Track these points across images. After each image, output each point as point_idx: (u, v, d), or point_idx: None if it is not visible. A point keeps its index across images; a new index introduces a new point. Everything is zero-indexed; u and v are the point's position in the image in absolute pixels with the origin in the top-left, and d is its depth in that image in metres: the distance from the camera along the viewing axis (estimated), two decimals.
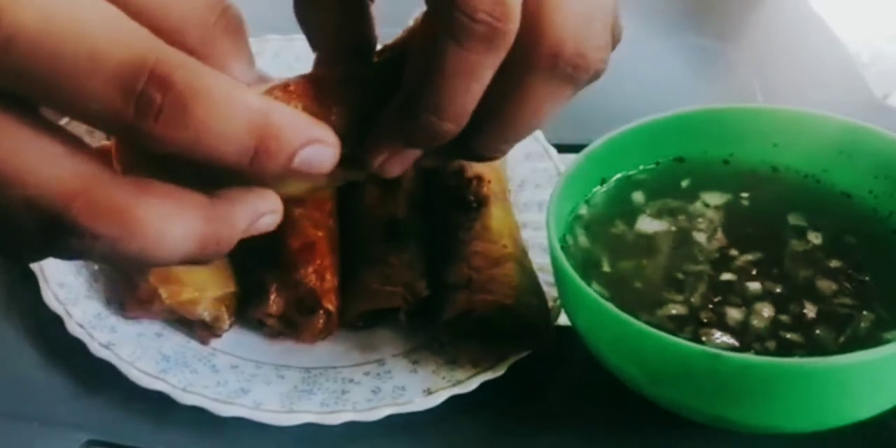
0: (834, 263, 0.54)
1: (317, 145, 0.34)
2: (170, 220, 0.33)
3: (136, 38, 0.31)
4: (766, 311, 0.51)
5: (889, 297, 0.52)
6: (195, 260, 0.35)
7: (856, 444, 0.53)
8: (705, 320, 0.51)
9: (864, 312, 0.51)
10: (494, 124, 0.40)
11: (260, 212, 0.37)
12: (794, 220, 0.57)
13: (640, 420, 0.55)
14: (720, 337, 0.50)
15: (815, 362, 0.46)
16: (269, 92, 0.38)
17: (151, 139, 0.32)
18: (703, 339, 0.50)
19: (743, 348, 0.50)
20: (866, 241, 0.55)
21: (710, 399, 0.49)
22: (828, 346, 0.50)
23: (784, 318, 0.51)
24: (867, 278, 0.53)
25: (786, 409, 0.48)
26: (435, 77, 0.37)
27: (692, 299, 0.52)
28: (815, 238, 0.56)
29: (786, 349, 0.50)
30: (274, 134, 0.33)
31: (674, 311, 0.52)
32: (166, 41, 0.36)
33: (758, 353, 0.49)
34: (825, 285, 0.53)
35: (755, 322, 0.51)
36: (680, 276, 0.54)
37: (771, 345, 0.50)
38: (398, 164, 0.41)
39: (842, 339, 0.50)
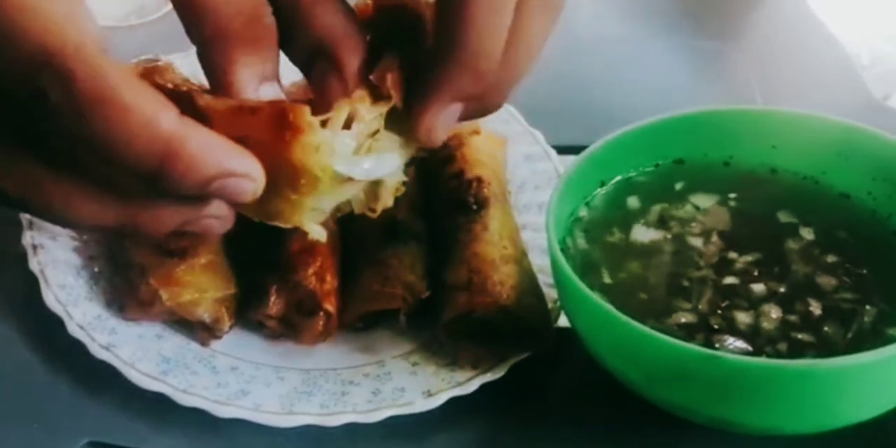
0: (831, 258, 0.55)
1: (235, 178, 0.37)
2: (95, 217, 0.38)
3: (66, 33, 0.33)
4: (774, 312, 0.51)
5: (891, 296, 0.52)
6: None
7: (856, 446, 0.53)
8: (716, 326, 0.51)
9: (867, 307, 0.51)
10: (503, 67, 0.41)
11: (207, 214, 0.40)
12: (784, 217, 0.57)
13: (639, 421, 0.55)
14: (733, 342, 0.50)
15: (813, 364, 0.46)
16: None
17: (42, 124, 0.35)
18: (717, 345, 0.50)
19: (756, 352, 0.50)
20: (866, 242, 0.55)
21: (709, 400, 0.49)
22: (837, 343, 0.50)
23: (792, 318, 0.51)
24: (864, 271, 0.54)
25: (784, 411, 0.48)
26: (467, 19, 0.39)
27: (700, 306, 0.52)
28: (807, 234, 0.56)
29: (797, 350, 0.50)
30: (184, 159, 0.35)
31: (683, 320, 0.51)
32: (194, 19, 0.39)
33: (770, 356, 0.49)
34: (825, 281, 0.53)
35: (765, 324, 0.51)
36: (685, 283, 0.54)
37: (783, 347, 0.50)
38: (444, 125, 0.42)
39: (849, 335, 0.50)
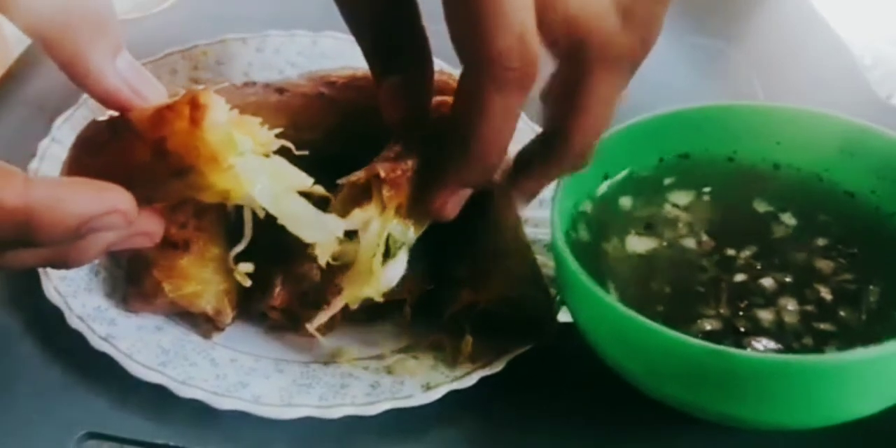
0: (821, 242, 0.55)
1: (103, 217, 0.40)
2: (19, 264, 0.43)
3: None
4: (791, 304, 0.51)
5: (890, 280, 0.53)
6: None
7: (856, 442, 0.53)
8: (743, 329, 0.51)
9: (871, 287, 0.52)
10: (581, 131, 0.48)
11: (123, 236, 0.45)
12: (760, 207, 0.57)
13: (639, 416, 0.54)
14: (765, 343, 0.49)
15: (817, 358, 0.46)
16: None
17: None
18: (748, 348, 0.49)
19: (786, 350, 0.49)
20: (869, 240, 0.55)
21: (710, 395, 0.49)
22: (855, 329, 0.50)
23: (809, 308, 0.51)
24: (856, 251, 0.54)
25: (789, 406, 0.48)
26: (481, 121, 0.45)
27: (721, 310, 0.52)
28: (788, 219, 0.56)
29: (822, 342, 0.50)
30: (39, 223, 0.39)
31: (708, 327, 0.51)
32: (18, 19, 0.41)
33: (797, 352, 0.49)
34: (824, 265, 0.53)
35: (787, 319, 0.51)
36: (699, 288, 0.53)
37: (808, 341, 0.50)
38: (454, 205, 0.49)
39: (863, 317, 0.50)
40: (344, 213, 0.52)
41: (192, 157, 0.42)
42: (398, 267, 0.53)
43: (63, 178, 0.43)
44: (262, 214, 0.46)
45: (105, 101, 0.44)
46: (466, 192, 0.49)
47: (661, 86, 0.81)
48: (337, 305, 0.54)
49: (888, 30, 0.95)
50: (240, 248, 0.52)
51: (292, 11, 0.81)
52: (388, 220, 0.52)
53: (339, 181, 0.53)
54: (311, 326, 0.55)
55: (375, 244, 0.52)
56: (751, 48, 0.86)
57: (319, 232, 0.48)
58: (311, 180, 0.47)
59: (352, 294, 0.53)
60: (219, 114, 0.42)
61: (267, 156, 0.45)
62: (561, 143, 0.48)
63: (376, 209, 0.52)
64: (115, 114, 0.45)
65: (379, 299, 0.53)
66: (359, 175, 0.52)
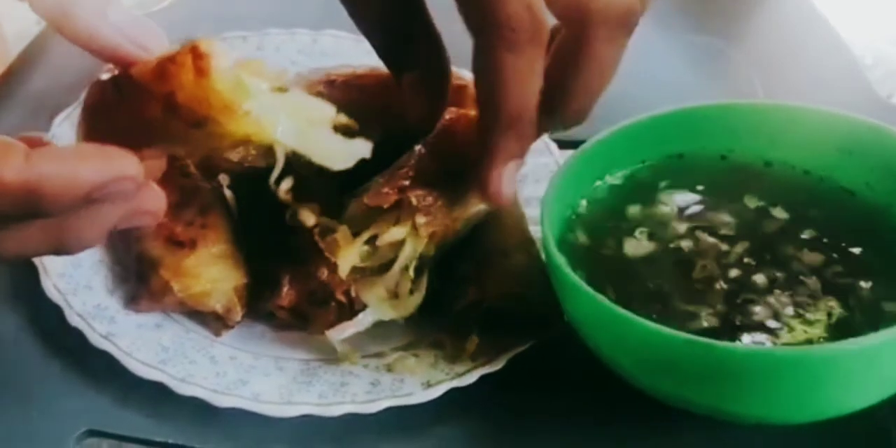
0: (812, 235, 0.55)
1: (113, 183, 0.39)
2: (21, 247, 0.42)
3: None
4: (785, 298, 0.51)
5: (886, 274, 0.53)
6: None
7: (852, 436, 0.53)
8: (739, 325, 0.51)
9: (861, 283, 0.52)
10: (581, 89, 0.47)
11: (128, 214, 0.43)
12: (751, 202, 0.57)
13: (640, 414, 0.54)
14: (761, 337, 0.50)
15: (794, 351, 0.46)
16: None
17: None
18: (745, 342, 0.49)
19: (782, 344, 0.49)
20: (864, 234, 0.55)
21: (701, 389, 0.49)
22: (850, 320, 0.50)
23: (803, 301, 0.51)
24: (849, 247, 0.54)
25: (772, 399, 0.48)
26: (500, 83, 0.45)
27: (717, 307, 0.52)
28: (781, 214, 0.56)
29: (817, 334, 0.50)
30: (45, 193, 0.38)
31: (706, 324, 0.51)
32: None
33: (791, 344, 0.49)
34: (816, 258, 0.53)
35: (782, 313, 0.51)
36: (697, 286, 0.53)
37: (802, 334, 0.50)
38: (509, 183, 0.49)
39: (857, 309, 0.51)
40: (364, 223, 0.53)
41: (204, 108, 0.41)
42: (422, 290, 0.54)
43: (68, 147, 0.41)
44: (288, 150, 0.45)
45: (109, 58, 0.43)
46: (514, 168, 0.49)
47: (662, 85, 0.81)
48: (364, 324, 0.56)
49: (889, 29, 0.95)
50: (276, 173, 0.50)
51: (292, 10, 0.81)
52: (420, 247, 0.53)
53: (366, 201, 0.53)
54: (335, 335, 0.56)
55: (405, 267, 0.53)
56: (751, 47, 0.86)
57: (349, 158, 0.46)
58: (333, 109, 0.46)
59: (378, 315, 0.54)
60: (223, 60, 0.41)
61: (283, 90, 0.44)
62: (562, 101, 0.48)
63: (406, 229, 0.53)
64: (115, 72, 0.43)
65: (401, 320, 0.55)
66: (386, 199, 0.53)
